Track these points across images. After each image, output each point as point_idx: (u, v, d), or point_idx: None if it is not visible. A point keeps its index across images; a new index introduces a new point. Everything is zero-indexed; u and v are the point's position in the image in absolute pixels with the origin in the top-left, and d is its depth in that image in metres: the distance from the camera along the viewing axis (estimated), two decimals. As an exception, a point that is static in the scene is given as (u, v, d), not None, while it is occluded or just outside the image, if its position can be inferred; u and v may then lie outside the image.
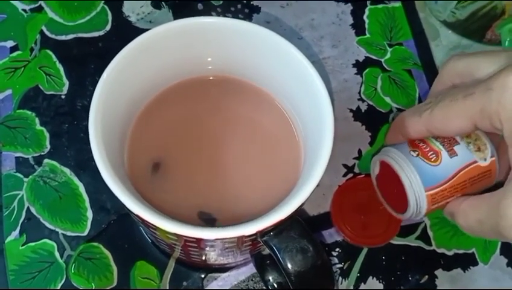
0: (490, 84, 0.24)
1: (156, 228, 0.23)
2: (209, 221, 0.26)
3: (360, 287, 0.34)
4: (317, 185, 0.35)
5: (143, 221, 0.23)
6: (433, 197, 0.28)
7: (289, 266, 0.23)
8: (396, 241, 0.35)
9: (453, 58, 0.29)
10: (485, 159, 0.28)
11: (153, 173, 0.27)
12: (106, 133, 0.24)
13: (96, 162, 0.23)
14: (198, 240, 0.23)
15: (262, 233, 0.23)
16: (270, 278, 0.31)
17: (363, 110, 0.38)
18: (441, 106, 0.26)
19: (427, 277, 0.34)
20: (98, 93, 0.24)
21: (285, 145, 0.28)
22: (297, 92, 0.27)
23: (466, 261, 0.35)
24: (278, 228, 0.23)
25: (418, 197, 0.28)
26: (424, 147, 0.28)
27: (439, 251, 0.35)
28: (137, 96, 0.28)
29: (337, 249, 0.35)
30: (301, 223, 0.24)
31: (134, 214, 0.23)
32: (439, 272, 0.34)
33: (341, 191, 0.35)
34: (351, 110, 0.38)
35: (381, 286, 0.34)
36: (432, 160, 0.27)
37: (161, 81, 0.29)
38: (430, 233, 0.35)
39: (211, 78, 0.29)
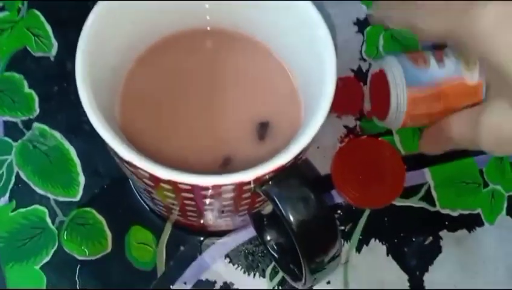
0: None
1: (150, 179, 0.22)
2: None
3: (363, 250, 0.33)
4: (318, 147, 0.35)
5: (136, 171, 0.22)
6: (414, 99, 0.29)
7: (290, 215, 0.22)
8: (399, 202, 0.34)
9: None
10: (472, 78, 0.29)
11: (145, 126, 0.26)
12: (95, 83, 0.23)
13: (86, 109, 0.22)
14: (195, 190, 0.22)
15: (261, 182, 0.22)
16: (269, 238, 0.30)
17: (364, 70, 0.37)
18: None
19: (431, 238, 0.33)
20: (84, 40, 0.23)
21: (283, 96, 0.27)
22: (297, 41, 0.26)
23: (471, 222, 0.34)
24: (278, 176, 0.22)
25: (399, 94, 0.29)
26: (415, 52, 0.30)
27: (444, 211, 0.34)
28: (128, 46, 0.26)
29: (339, 212, 0.34)
30: (301, 172, 0.23)
31: (127, 162, 0.21)
32: (443, 233, 0.33)
33: (342, 152, 0.34)
34: (353, 70, 0.37)
35: (384, 248, 0.33)
36: (419, 63, 0.29)
37: (154, 30, 0.27)
38: (434, 194, 0.34)
39: (208, 28, 0.28)
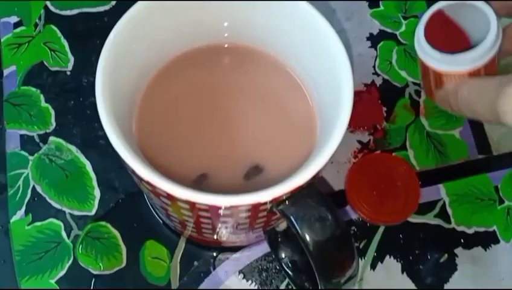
0: None
1: (168, 197, 0.22)
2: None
3: (377, 267, 0.33)
4: (331, 163, 0.34)
5: (154, 190, 0.22)
6: None
7: (307, 235, 0.22)
8: (414, 219, 0.34)
9: None
10: None
11: (162, 141, 0.26)
12: (114, 99, 0.23)
13: (104, 127, 0.22)
14: (212, 209, 0.22)
15: (278, 201, 0.22)
16: (284, 255, 0.30)
17: (378, 85, 0.37)
18: None
19: (446, 255, 0.33)
20: (105, 54, 0.23)
21: (300, 114, 0.27)
22: (314, 59, 0.26)
23: (487, 240, 0.33)
24: (295, 196, 0.22)
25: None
26: None
27: (459, 229, 0.34)
28: (147, 62, 0.26)
29: (353, 228, 0.33)
30: (318, 191, 0.23)
31: (146, 182, 0.22)
32: (459, 251, 0.33)
33: (356, 168, 0.34)
34: (366, 85, 0.37)
35: (399, 265, 0.33)
36: None
37: (173, 46, 0.27)
38: (449, 210, 0.34)
39: (226, 45, 0.28)
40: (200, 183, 0.26)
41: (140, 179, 0.22)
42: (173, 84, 0.27)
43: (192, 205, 0.22)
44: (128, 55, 0.24)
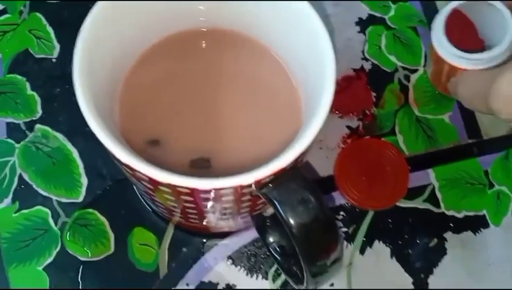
0: None
1: (150, 182, 0.22)
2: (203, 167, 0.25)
3: (366, 252, 0.33)
4: (320, 148, 0.34)
5: (135, 174, 0.22)
6: None
7: (290, 219, 0.22)
8: (404, 204, 0.34)
9: None
10: None
11: (144, 128, 0.26)
12: (93, 87, 0.23)
13: (84, 114, 0.22)
14: (195, 194, 0.22)
15: (261, 184, 0.22)
16: (272, 240, 0.30)
17: (367, 70, 0.36)
18: None
19: (436, 240, 0.33)
20: (81, 42, 0.23)
21: (283, 96, 0.27)
22: (295, 40, 0.25)
23: (477, 224, 0.33)
24: (278, 179, 0.22)
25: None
26: None
27: (449, 213, 0.34)
28: (125, 49, 0.26)
29: (342, 213, 0.33)
30: (302, 175, 0.22)
31: (128, 168, 0.21)
32: (448, 235, 0.33)
33: (345, 153, 0.34)
34: (355, 70, 0.36)
35: (388, 250, 0.33)
36: None
37: (150, 33, 0.27)
38: (439, 195, 0.34)
39: (203, 29, 0.28)
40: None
41: (121, 163, 0.22)
42: (152, 70, 0.27)
43: (174, 189, 0.22)
44: (105, 42, 0.24)
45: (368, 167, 0.33)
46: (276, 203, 0.22)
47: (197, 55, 0.28)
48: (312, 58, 0.24)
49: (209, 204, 0.24)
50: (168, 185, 0.21)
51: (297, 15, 0.24)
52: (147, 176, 0.21)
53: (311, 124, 0.22)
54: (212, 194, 0.22)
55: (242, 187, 0.21)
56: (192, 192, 0.22)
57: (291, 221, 0.22)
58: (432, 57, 0.34)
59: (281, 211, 0.22)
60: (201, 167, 0.25)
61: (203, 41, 0.28)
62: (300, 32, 0.25)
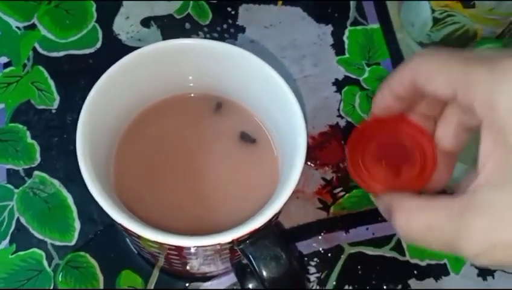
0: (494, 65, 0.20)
1: (139, 237, 0.25)
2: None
3: (337, 296, 0.35)
4: (297, 197, 0.37)
5: (126, 230, 0.25)
6: None
7: (264, 272, 0.25)
8: (372, 251, 0.36)
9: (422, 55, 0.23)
10: None
11: (136, 185, 0.29)
12: (93, 146, 0.26)
13: (82, 173, 0.25)
14: (178, 248, 0.25)
15: (239, 241, 0.25)
16: (250, 286, 0.32)
17: (341, 126, 0.40)
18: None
19: (400, 286, 0.36)
20: (86, 108, 0.26)
21: (264, 158, 0.30)
22: (272, 107, 0.29)
23: (438, 272, 0.36)
24: (254, 236, 0.25)
25: None
26: None
27: (413, 261, 0.37)
28: (123, 112, 0.29)
29: (315, 259, 0.36)
30: (275, 233, 0.25)
31: (118, 223, 0.24)
32: (412, 282, 0.36)
33: (353, 144, 0.27)
34: (330, 126, 0.40)
35: (357, 295, 0.35)
36: None
37: (146, 97, 0.30)
38: (404, 244, 0.37)
39: (192, 95, 0.31)
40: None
41: (113, 220, 0.24)
42: (143, 133, 0.30)
43: (160, 244, 0.24)
44: (106, 108, 0.27)
45: (388, 149, 0.27)
46: (252, 258, 0.25)
47: (185, 119, 0.31)
48: (287, 128, 0.27)
49: (192, 256, 0.27)
50: (155, 241, 0.24)
51: (268, 82, 0.28)
52: (137, 235, 0.24)
53: (282, 193, 0.25)
54: (193, 250, 0.25)
55: (221, 245, 0.24)
56: (177, 248, 0.25)
57: (264, 274, 0.25)
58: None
59: (255, 266, 0.25)
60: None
61: (192, 105, 0.31)
62: (276, 102, 0.28)
